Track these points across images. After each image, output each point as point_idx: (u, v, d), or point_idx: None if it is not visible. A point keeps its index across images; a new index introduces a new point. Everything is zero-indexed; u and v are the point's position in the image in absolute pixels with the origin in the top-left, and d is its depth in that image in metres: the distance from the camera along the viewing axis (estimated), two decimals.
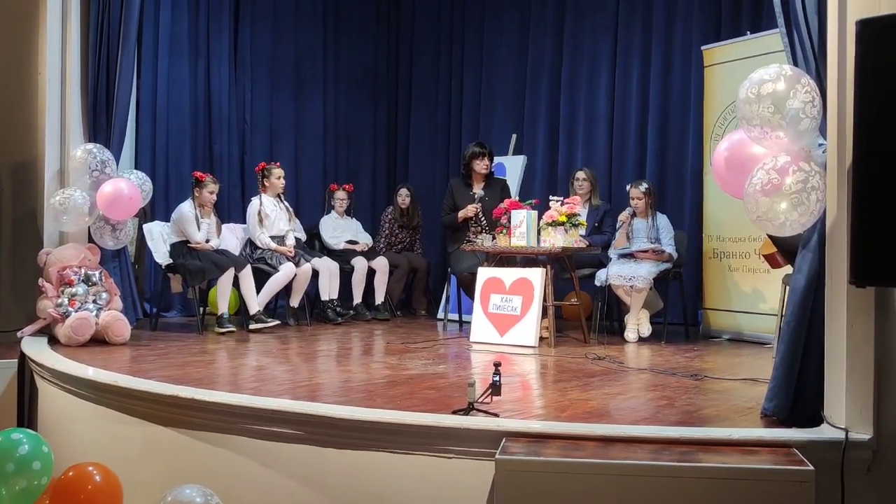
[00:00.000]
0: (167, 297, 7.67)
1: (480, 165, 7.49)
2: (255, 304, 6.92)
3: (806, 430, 3.46)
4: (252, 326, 6.83)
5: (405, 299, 8.66)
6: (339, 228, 8.18)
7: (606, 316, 6.95)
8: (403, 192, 8.48)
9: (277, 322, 6.99)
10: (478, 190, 7.51)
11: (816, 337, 3.59)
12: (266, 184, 7.43)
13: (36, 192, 6.41)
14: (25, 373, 5.55)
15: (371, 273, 7.92)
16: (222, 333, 6.68)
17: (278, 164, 7.62)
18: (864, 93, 3.04)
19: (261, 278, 7.13)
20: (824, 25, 3.51)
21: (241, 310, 7.21)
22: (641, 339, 6.54)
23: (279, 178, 7.44)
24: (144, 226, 7.18)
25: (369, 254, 8.03)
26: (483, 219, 7.26)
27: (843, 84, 3.35)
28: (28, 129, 6.41)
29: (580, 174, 7.32)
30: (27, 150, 6.41)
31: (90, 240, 6.45)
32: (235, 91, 8.65)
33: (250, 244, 7.33)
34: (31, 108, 6.41)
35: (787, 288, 4.07)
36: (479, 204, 7.35)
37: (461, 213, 7.43)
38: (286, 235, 7.44)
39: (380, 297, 7.94)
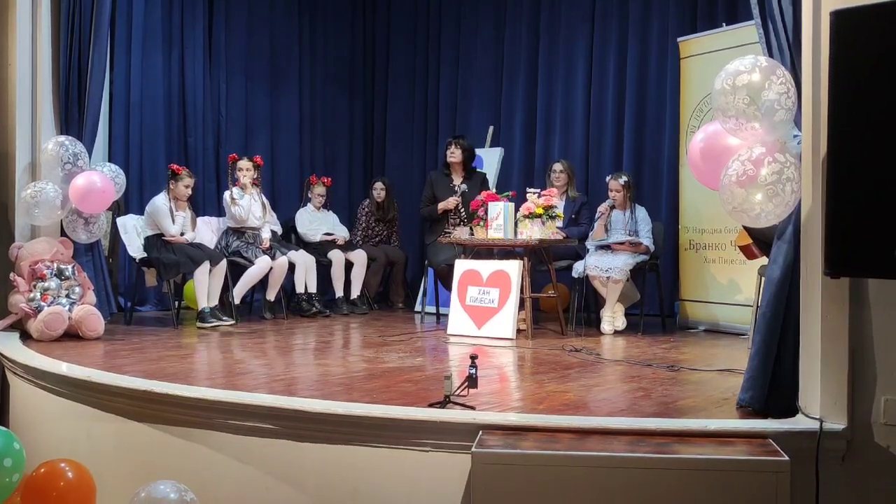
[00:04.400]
0: (142, 291, 7.60)
1: (448, 154, 7.49)
2: (205, 301, 6.77)
3: (781, 421, 3.49)
4: (198, 324, 6.72)
5: (382, 292, 8.64)
6: (316, 221, 8.13)
7: (584, 308, 6.96)
8: (378, 185, 8.45)
9: (232, 322, 6.84)
10: (457, 181, 7.49)
11: (792, 327, 3.61)
12: (237, 176, 7.38)
13: (7, 186, 6.32)
14: None
15: (349, 266, 7.88)
16: (207, 329, 6.61)
17: (258, 157, 7.54)
18: (839, 84, 3.06)
19: (236, 272, 7.09)
20: (799, 16, 3.52)
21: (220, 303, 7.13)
22: (617, 332, 6.55)
23: (240, 169, 7.35)
24: (118, 219, 7.10)
25: (346, 247, 7.99)
26: (463, 210, 7.26)
27: (817, 75, 3.36)
28: None
29: (557, 166, 7.32)
30: None
31: (63, 233, 6.36)
32: (210, 84, 8.57)
33: (226, 237, 7.27)
34: (2, 100, 6.31)
35: (763, 279, 4.08)
36: (460, 196, 7.34)
37: (441, 205, 7.41)
38: (262, 228, 7.39)
39: (356, 291, 7.90)
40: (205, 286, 6.78)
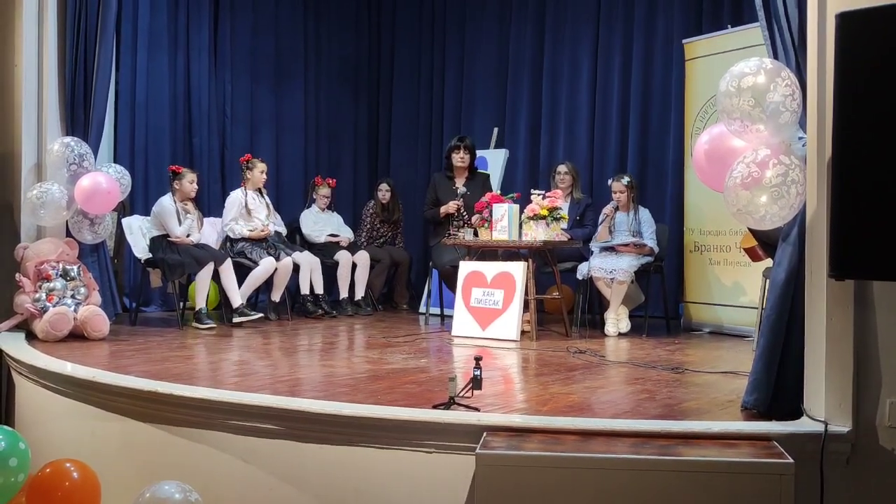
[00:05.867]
0: (146, 292, 7.61)
1: (456, 158, 7.47)
2: (238, 297, 6.86)
3: (786, 423, 3.48)
4: (235, 319, 6.78)
5: (387, 293, 8.65)
6: (321, 222, 8.14)
7: (588, 309, 6.96)
8: (383, 186, 8.45)
9: (261, 315, 6.95)
10: (460, 184, 7.48)
11: (796, 330, 3.60)
12: (248, 176, 7.39)
13: (13, 186, 6.32)
14: (2, 369, 5.50)
15: (353, 267, 7.88)
16: (203, 329, 6.63)
17: (261, 158, 7.59)
18: (844, 86, 3.05)
19: (241, 273, 7.10)
20: (804, 18, 3.51)
21: (220, 304, 7.14)
22: (622, 334, 6.54)
23: (262, 171, 7.41)
24: (123, 220, 7.11)
25: (351, 248, 8.00)
26: (465, 214, 7.25)
27: (822, 77, 3.36)
28: (4, 122, 6.33)
29: (562, 168, 7.32)
30: (3, 144, 6.33)
31: (68, 234, 6.38)
32: (215, 84, 8.58)
33: (229, 239, 7.28)
34: (7, 101, 6.33)
35: (768, 281, 4.08)
36: (461, 200, 7.33)
37: (443, 209, 7.41)
38: (266, 229, 7.41)
39: (360, 292, 7.90)
40: (206, 288, 6.81)
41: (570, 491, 3.15)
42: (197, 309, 6.81)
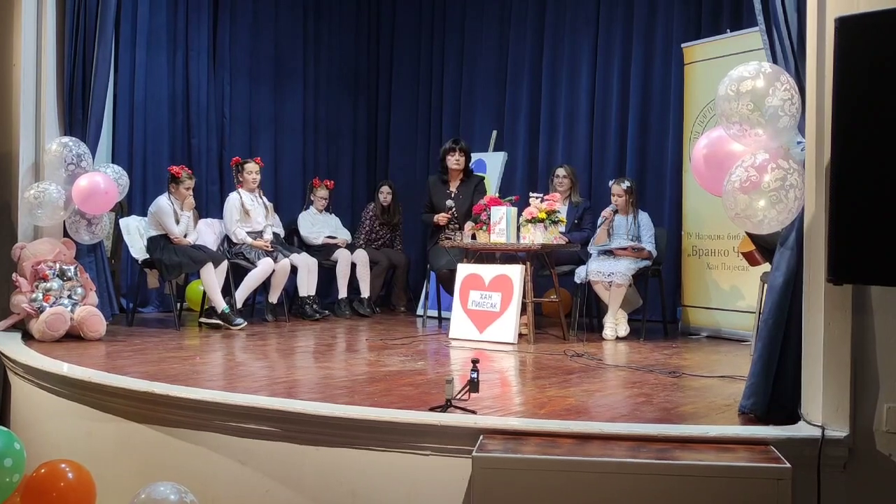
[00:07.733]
0: (144, 293, 7.59)
1: (451, 161, 7.45)
2: (221, 301, 6.76)
3: (783, 428, 3.47)
4: (225, 327, 6.72)
5: (385, 296, 8.64)
6: (318, 224, 8.13)
7: (586, 313, 6.95)
8: (385, 189, 8.44)
9: (245, 323, 6.78)
10: (454, 187, 7.47)
11: (794, 335, 3.60)
12: (240, 178, 7.37)
13: (10, 186, 6.31)
14: None
15: (352, 267, 7.87)
16: (237, 330, 6.61)
17: (258, 158, 7.56)
18: (843, 90, 3.05)
19: (239, 274, 7.09)
20: (803, 23, 3.52)
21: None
22: (619, 338, 6.53)
23: (250, 172, 7.36)
24: (121, 220, 7.10)
25: (349, 248, 7.99)
26: (457, 223, 7.26)
27: (821, 82, 3.36)
28: (2, 121, 6.32)
29: (560, 171, 7.32)
30: (1, 144, 6.32)
31: (65, 234, 6.37)
32: (214, 85, 8.57)
33: (228, 240, 7.27)
34: (6, 101, 6.32)
35: (766, 286, 4.07)
36: (452, 210, 7.33)
37: (434, 220, 7.42)
38: (264, 230, 7.39)
39: (365, 290, 7.88)
40: (217, 285, 6.73)
41: (566, 494, 3.14)
42: (220, 311, 6.72)
